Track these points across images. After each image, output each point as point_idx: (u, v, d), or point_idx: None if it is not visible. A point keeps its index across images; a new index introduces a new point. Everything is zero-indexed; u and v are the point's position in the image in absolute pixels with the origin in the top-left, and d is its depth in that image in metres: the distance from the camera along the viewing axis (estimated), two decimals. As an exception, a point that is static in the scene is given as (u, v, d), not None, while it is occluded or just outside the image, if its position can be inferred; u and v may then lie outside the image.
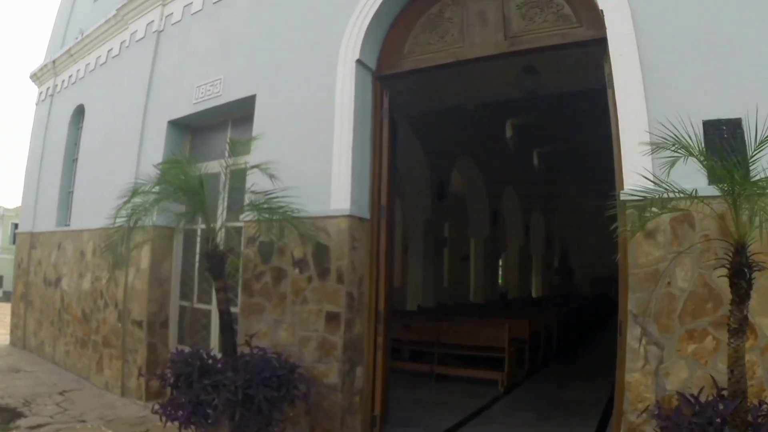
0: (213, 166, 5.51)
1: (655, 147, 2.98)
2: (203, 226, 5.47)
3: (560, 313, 9.99)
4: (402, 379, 6.92)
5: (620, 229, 3.16)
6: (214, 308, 6.23)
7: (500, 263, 19.02)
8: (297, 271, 4.74)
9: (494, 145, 16.04)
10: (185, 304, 6.75)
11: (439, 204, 12.50)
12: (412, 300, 11.80)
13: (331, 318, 4.50)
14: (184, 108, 6.42)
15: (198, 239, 6.33)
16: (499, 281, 19.27)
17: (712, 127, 3.30)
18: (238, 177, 5.01)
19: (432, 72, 5.06)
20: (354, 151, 4.73)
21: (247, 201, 4.80)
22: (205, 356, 4.28)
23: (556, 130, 16.03)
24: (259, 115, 5.51)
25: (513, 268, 18.97)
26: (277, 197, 4.55)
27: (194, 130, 6.84)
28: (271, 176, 4.67)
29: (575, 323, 11.67)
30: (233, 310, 5.41)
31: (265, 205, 4.56)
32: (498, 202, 16.46)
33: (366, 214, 4.86)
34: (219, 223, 4.87)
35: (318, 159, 4.87)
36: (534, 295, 20.35)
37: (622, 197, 3.32)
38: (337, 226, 4.60)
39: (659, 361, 3.22)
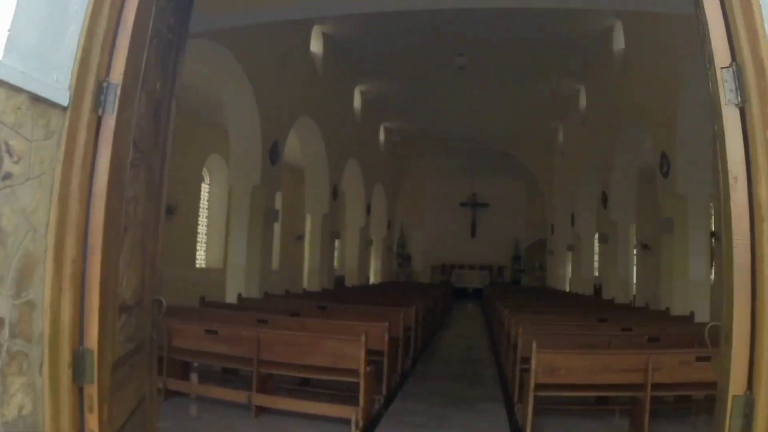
0: None
1: None
2: None
3: (417, 309, 7.89)
4: (209, 411, 5.04)
5: None
6: None
7: (335, 245, 16.96)
8: None
9: (341, 110, 13.91)
10: None
11: (271, 169, 9.84)
12: (232, 288, 9.19)
13: None
14: None
15: None
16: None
17: None
18: None
19: None
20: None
21: None
22: None
23: (412, 102, 14.43)
24: None
25: (352, 250, 16.99)
26: None
27: None
28: None
29: (430, 318, 9.84)
30: None
31: None
32: (340, 174, 14.28)
33: (60, 95, 1.84)
34: None
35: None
36: (372, 281, 18.64)
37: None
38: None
39: None
